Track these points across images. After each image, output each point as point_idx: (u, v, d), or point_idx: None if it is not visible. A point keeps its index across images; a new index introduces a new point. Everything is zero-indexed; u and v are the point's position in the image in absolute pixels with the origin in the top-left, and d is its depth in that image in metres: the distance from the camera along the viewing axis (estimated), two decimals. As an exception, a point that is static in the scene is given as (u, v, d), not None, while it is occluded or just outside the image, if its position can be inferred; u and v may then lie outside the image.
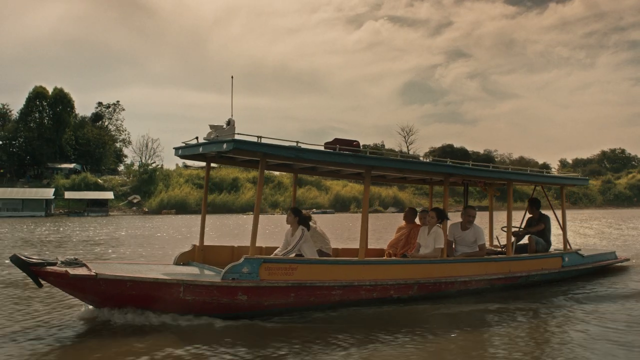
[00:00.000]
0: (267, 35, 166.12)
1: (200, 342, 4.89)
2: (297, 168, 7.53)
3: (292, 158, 6.26)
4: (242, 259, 5.71)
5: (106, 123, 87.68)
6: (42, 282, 5.39)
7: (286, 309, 5.96)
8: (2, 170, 69.36)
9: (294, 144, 6.06)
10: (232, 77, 6.54)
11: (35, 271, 5.23)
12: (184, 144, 6.52)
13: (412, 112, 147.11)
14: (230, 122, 6.07)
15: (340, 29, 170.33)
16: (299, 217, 6.71)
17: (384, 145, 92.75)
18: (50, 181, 66.66)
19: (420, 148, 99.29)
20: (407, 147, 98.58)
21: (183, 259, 6.86)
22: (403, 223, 8.15)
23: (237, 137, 5.75)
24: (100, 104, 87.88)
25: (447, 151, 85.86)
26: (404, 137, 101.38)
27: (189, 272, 6.22)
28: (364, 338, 5.11)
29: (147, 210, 63.62)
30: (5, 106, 77.71)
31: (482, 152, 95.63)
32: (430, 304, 6.63)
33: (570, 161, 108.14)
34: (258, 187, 6.10)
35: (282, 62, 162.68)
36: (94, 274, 5.25)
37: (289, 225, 6.82)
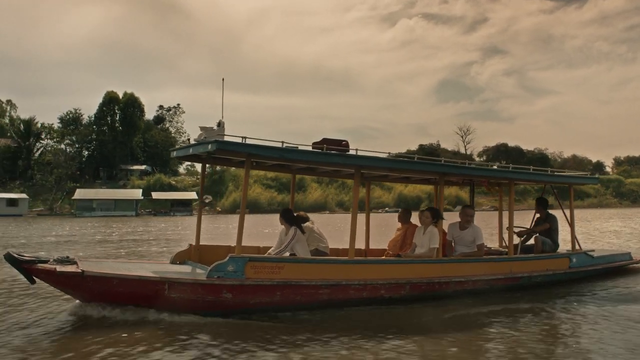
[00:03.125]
0: (301, 35, 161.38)
1: (185, 339, 4.73)
2: (294, 169, 7.22)
3: (277, 158, 5.99)
4: (227, 258, 5.52)
5: (167, 125, 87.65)
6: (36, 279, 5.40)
7: (272, 308, 5.70)
8: (78, 172, 69.94)
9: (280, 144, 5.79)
10: (222, 79, 6.36)
11: (27, 268, 5.25)
12: (178, 146, 6.42)
13: (448, 110, 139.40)
14: (220, 124, 5.91)
15: (374, 27, 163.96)
16: (288, 218, 6.43)
17: (439, 145, 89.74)
18: (126, 182, 67.53)
19: (476, 148, 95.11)
20: (465, 146, 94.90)
21: (179, 258, 6.74)
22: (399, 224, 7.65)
23: (225, 138, 5.54)
24: (161, 107, 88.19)
25: (502, 150, 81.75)
26: (462, 137, 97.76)
27: (181, 270, 6.08)
28: (355, 337, 4.80)
29: (220, 210, 64.33)
30: (77, 110, 77.01)
31: (534, 150, 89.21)
32: (425, 304, 6.17)
33: (622, 158, 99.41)
34: (244, 187, 5.89)
35: (316, 61, 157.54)
36: (80, 271, 5.21)
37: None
